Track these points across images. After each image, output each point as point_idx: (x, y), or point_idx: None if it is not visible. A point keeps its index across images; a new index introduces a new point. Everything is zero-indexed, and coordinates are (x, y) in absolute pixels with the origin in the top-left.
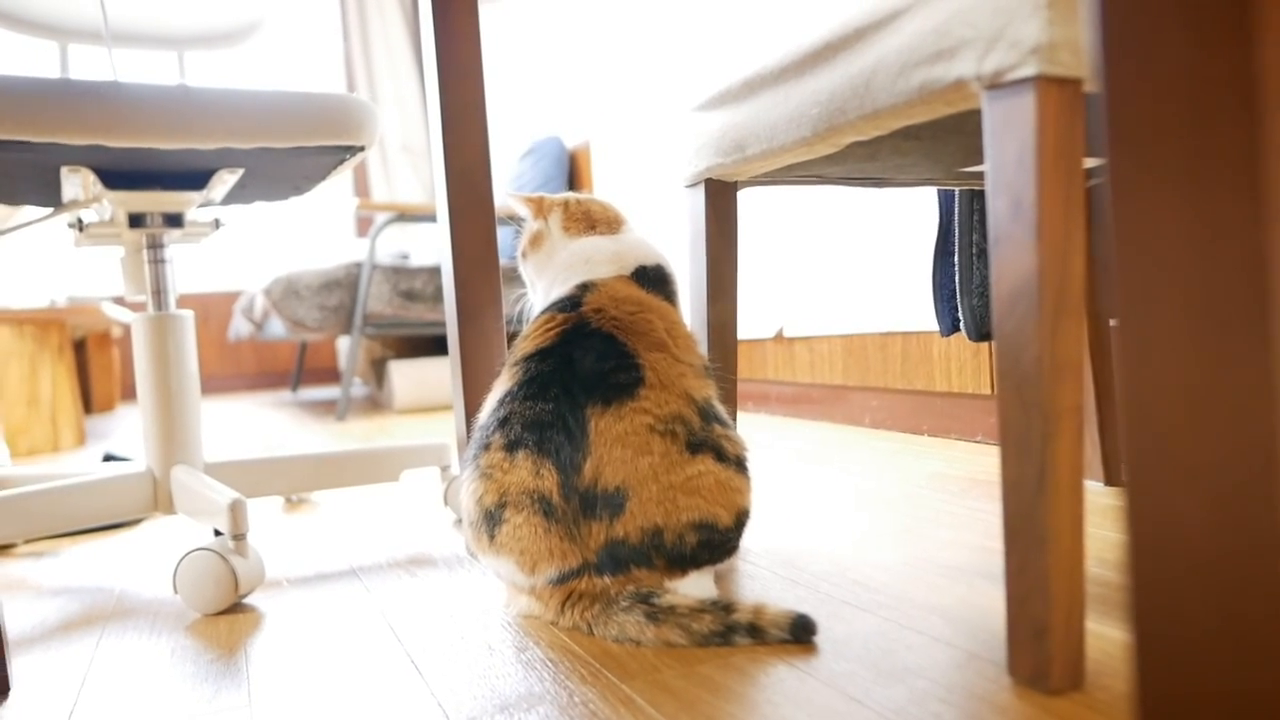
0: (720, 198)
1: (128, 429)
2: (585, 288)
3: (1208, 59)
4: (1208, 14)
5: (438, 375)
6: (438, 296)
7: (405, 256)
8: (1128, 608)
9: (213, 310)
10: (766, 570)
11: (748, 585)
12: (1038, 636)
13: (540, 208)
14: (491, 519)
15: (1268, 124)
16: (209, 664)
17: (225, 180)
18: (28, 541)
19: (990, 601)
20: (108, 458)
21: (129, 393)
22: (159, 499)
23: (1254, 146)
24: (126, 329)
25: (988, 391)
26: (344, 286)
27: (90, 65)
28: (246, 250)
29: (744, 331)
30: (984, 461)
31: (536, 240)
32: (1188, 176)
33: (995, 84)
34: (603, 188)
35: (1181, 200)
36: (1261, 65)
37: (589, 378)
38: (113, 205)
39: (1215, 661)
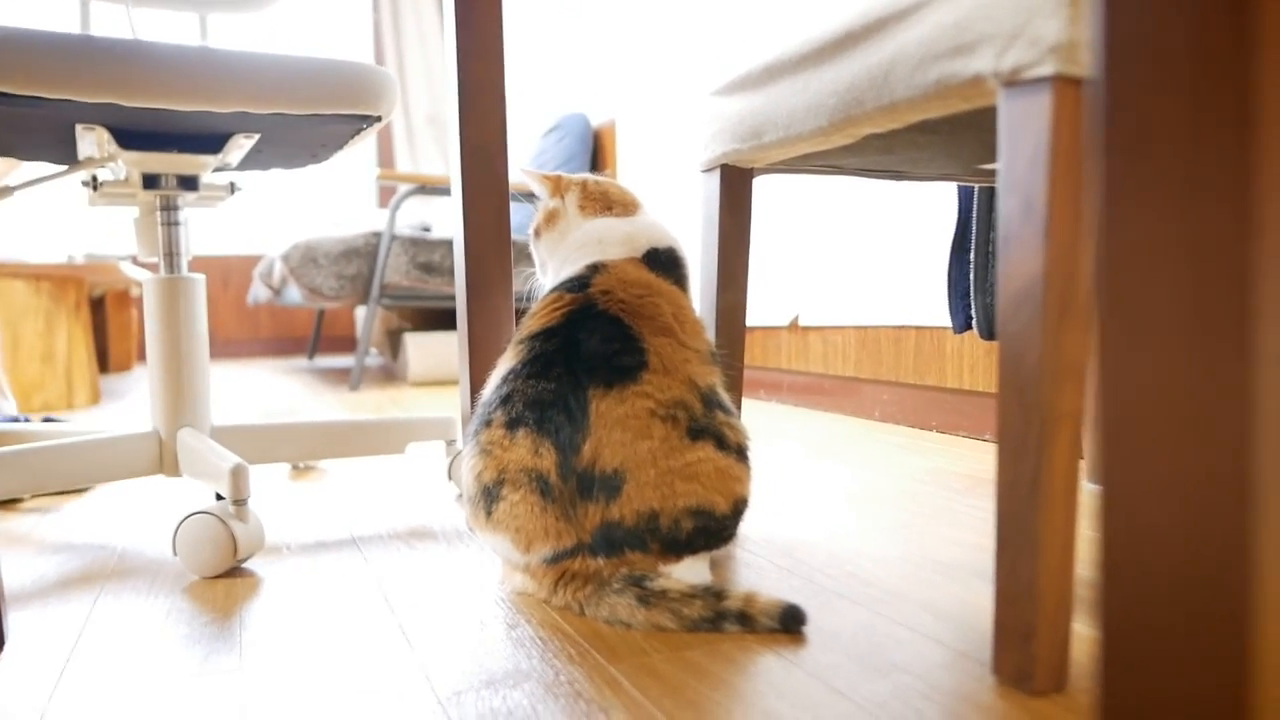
0: (735, 184)
1: (143, 390)
2: (595, 269)
3: (1208, 67)
4: (1210, 21)
5: (453, 348)
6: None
7: (426, 229)
8: (1098, 607)
9: (233, 273)
10: (764, 559)
11: (744, 573)
12: (1024, 639)
13: (557, 186)
14: (489, 495)
15: (1262, 135)
16: (203, 626)
17: (241, 145)
18: (34, 497)
19: (983, 600)
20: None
21: (146, 353)
22: (164, 461)
23: (1247, 157)
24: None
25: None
26: (362, 256)
27: (112, 23)
28: (270, 214)
29: (759, 318)
30: (989, 461)
31: (551, 218)
32: (1180, 183)
33: (1013, 81)
34: (627, 168)
35: (1172, 207)
36: (1259, 76)
37: (592, 359)
38: (127, 165)
39: (1177, 664)
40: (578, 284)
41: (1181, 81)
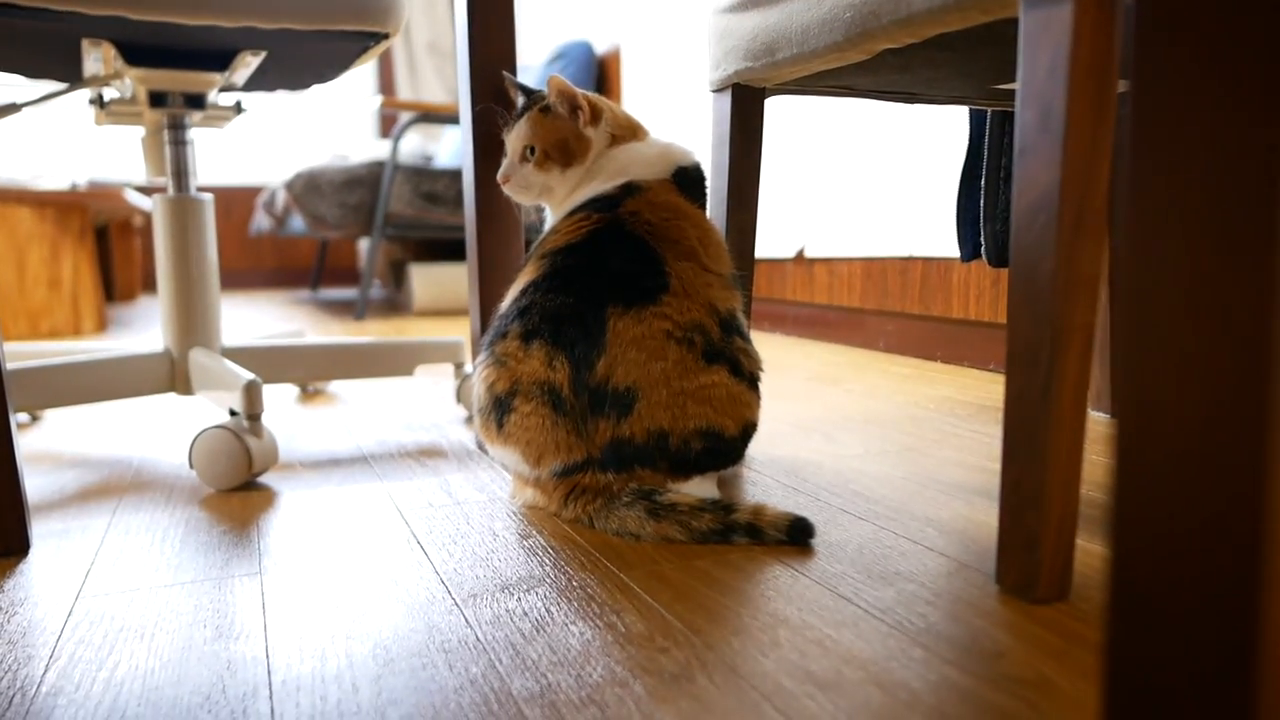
0: (747, 104)
1: (148, 318)
2: (628, 189)
3: None
4: None
5: (456, 279)
6: (459, 200)
7: (429, 159)
8: (1110, 496)
9: (234, 204)
10: (770, 478)
11: (751, 491)
12: (1028, 547)
13: (595, 114)
14: (501, 406)
15: None
16: (222, 535)
17: (248, 62)
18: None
19: (986, 518)
20: None
21: (150, 283)
22: (176, 379)
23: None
24: (148, 217)
25: (1004, 321)
26: (366, 185)
27: None
28: (269, 146)
29: (765, 251)
30: (994, 390)
31: (583, 147)
32: (1214, 76)
33: None
34: (632, 97)
35: (1206, 102)
36: None
37: (614, 278)
38: (134, 83)
39: (1190, 564)
40: (607, 203)
41: None
